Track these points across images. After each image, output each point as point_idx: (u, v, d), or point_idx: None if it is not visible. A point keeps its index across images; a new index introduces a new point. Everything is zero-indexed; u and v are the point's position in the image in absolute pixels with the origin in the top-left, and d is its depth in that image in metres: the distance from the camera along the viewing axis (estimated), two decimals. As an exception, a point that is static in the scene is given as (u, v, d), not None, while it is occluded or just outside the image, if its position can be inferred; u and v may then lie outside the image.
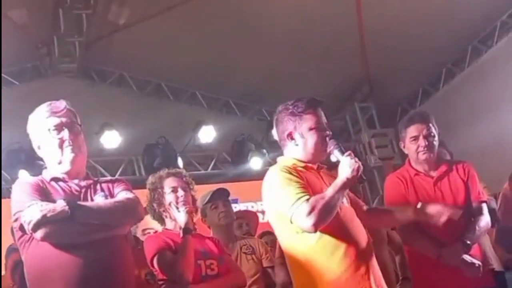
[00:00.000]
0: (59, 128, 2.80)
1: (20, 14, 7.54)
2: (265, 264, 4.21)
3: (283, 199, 2.78)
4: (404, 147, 3.70)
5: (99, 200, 2.80)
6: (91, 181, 2.91)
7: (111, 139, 7.91)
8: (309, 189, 2.77)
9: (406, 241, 3.07)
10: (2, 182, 8.11)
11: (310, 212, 2.65)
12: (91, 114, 8.04)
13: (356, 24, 7.82)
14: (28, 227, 2.56)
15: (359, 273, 2.73)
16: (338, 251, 2.75)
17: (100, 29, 8.05)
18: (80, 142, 2.87)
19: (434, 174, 3.62)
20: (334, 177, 2.83)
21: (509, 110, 6.79)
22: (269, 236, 5.16)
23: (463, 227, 3.46)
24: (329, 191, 2.72)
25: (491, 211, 3.77)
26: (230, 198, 4.35)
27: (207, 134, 8.48)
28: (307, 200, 2.68)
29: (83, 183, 2.86)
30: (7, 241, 5.03)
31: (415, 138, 3.59)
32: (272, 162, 8.99)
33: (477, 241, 3.47)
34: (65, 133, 2.80)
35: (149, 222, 4.48)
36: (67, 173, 2.83)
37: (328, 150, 2.91)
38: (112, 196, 2.86)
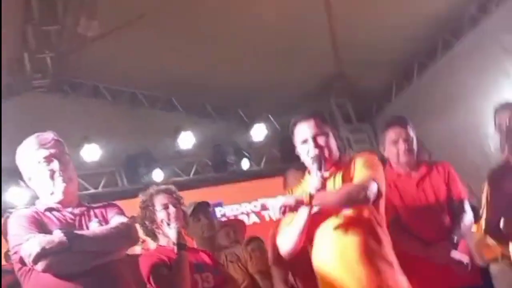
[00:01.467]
0: (48, 159, 2.86)
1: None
2: (250, 270, 4.28)
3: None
4: (384, 150, 3.81)
5: (94, 226, 2.86)
6: (84, 208, 2.96)
7: (91, 152, 7.89)
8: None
9: (395, 242, 3.16)
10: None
11: (279, 241, 2.99)
12: (68, 128, 8.05)
13: (326, 20, 7.87)
14: (28, 260, 2.61)
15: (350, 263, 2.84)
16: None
17: (70, 42, 8.00)
18: (70, 171, 2.93)
19: (416, 175, 3.74)
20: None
21: (481, 100, 6.86)
22: (256, 241, 5.21)
23: (448, 226, 3.59)
24: (295, 219, 2.89)
25: (473, 208, 3.88)
26: (214, 202, 4.42)
27: (186, 140, 8.50)
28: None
29: (76, 211, 2.91)
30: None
31: (395, 142, 3.71)
32: (254, 164, 9.17)
33: (463, 238, 3.59)
34: (55, 164, 2.86)
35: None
36: (60, 202, 2.88)
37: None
38: (106, 221, 2.92)
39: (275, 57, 8.28)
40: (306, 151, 3.01)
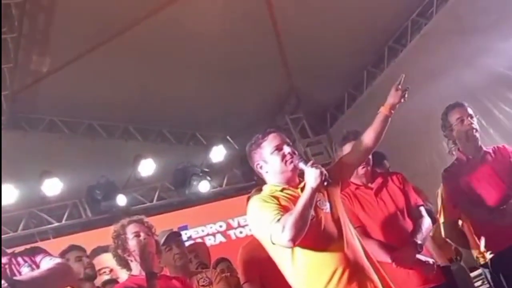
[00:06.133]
0: None
1: None
2: None
3: (260, 225, 2.99)
4: None
5: (26, 271, 2.87)
6: (8, 256, 2.96)
7: (52, 186, 7.86)
8: (282, 210, 2.93)
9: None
10: None
11: (282, 230, 2.82)
12: (27, 164, 8.01)
13: (273, 38, 8.02)
14: None
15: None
16: (323, 266, 2.92)
17: (24, 79, 8.01)
18: None
19: (372, 185, 3.90)
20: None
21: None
22: (224, 262, 5.26)
23: (410, 231, 3.76)
24: (297, 205, 2.88)
25: (429, 212, 4.06)
26: (179, 226, 4.41)
27: (146, 167, 8.53)
28: (278, 220, 2.86)
29: (4, 260, 2.91)
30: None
31: None
32: (216, 185, 9.25)
33: (426, 241, 3.78)
34: None
35: (105, 261, 4.57)
36: None
37: (294, 165, 3.03)
38: (36, 265, 2.93)
39: (227, 79, 8.41)
40: (281, 157, 3.08)
